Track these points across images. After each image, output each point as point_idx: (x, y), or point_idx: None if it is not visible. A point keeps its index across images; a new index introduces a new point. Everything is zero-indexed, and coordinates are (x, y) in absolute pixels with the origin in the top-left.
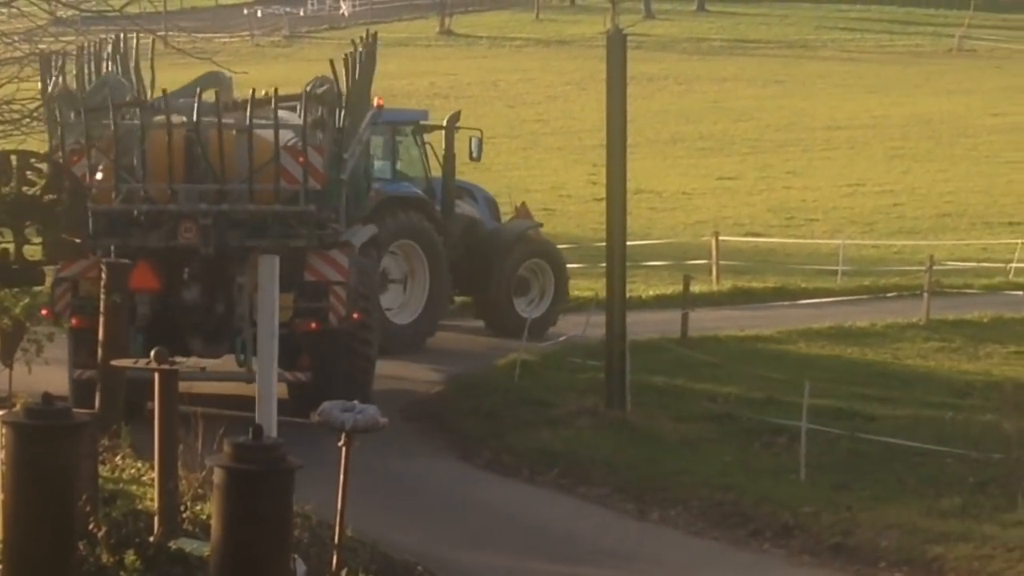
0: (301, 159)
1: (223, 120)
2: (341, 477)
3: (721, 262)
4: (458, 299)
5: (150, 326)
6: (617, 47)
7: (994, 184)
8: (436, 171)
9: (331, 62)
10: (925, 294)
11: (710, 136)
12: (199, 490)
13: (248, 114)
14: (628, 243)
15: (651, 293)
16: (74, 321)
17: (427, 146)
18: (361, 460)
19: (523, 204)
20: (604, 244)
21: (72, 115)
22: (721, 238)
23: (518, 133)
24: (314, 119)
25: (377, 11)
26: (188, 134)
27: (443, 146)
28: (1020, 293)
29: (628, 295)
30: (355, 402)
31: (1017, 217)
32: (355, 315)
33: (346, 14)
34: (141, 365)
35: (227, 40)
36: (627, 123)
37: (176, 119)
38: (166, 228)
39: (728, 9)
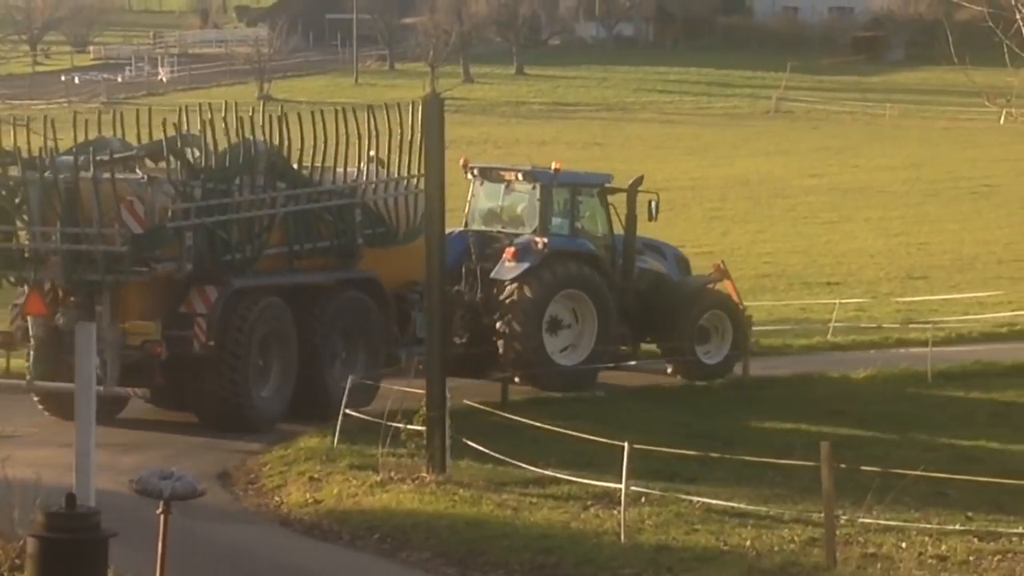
0: (125, 207)
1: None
2: (159, 545)
3: None
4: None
5: (42, 346)
6: (435, 111)
7: (812, 244)
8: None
9: (174, 123)
10: (745, 354)
11: None
12: (16, 560)
13: (76, 169)
14: None
15: None
16: None
17: (611, 207)
18: (180, 526)
19: (722, 262)
20: None
21: None
22: None
23: None
24: (148, 174)
25: (196, 77)
26: (67, 186)
27: (627, 207)
28: (838, 353)
29: None
30: (173, 469)
31: (835, 277)
32: (210, 342)
33: (164, 80)
34: None
35: (44, 107)
36: (446, 187)
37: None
38: (39, 263)
39: (547, 73)
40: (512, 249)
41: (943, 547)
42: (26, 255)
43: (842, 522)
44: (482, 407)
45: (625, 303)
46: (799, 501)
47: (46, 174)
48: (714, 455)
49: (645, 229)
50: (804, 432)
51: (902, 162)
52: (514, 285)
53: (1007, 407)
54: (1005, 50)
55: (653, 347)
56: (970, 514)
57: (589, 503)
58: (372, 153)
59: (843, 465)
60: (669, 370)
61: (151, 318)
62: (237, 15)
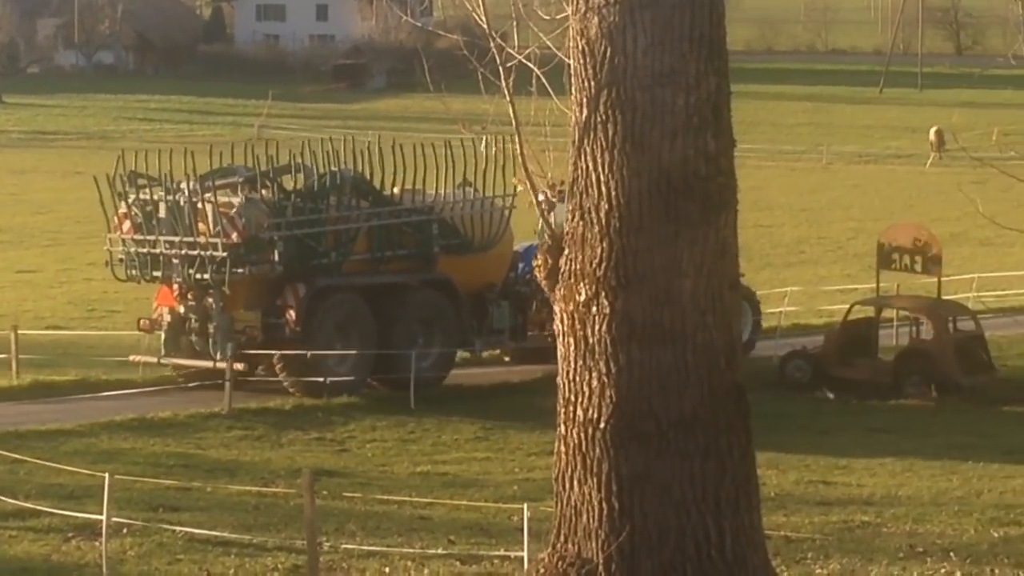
0: (227, 222)
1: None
2: None
3: (21, 356)
4: None
5: (170, 329)
6: None
7: None
8: None
9: (270, 155)
10: (227, 383)
11: (9, 229)
12: None
13: (188, 193)
14: None
15: None
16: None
17: None
18: None
19: None
20: None
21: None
22: (21, 332)
23: None
24: (246, 196)
25: None
26: (184, 204)
27: None
28: (320, 379)
29: None
30: None
31: None
32: (297, 328)
33: None
34: None
35: None
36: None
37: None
38: (167, 265)
39: (25, 101)
40: None
41: (426, 571)
42: (159, 258)
43: (325, 549)
44: None
45: None
46: (283, 529)
47: (171, 196)
48: (196, 484)
49: None
50: (287, 459)
51: None
52: None
53: (488, 430)
54: (480, 78)
55: None
56: (452, 538)
57: (71, 535)
58: (463, 178)
59: (325, 492)
60: None
61: (253, 309)
62: None
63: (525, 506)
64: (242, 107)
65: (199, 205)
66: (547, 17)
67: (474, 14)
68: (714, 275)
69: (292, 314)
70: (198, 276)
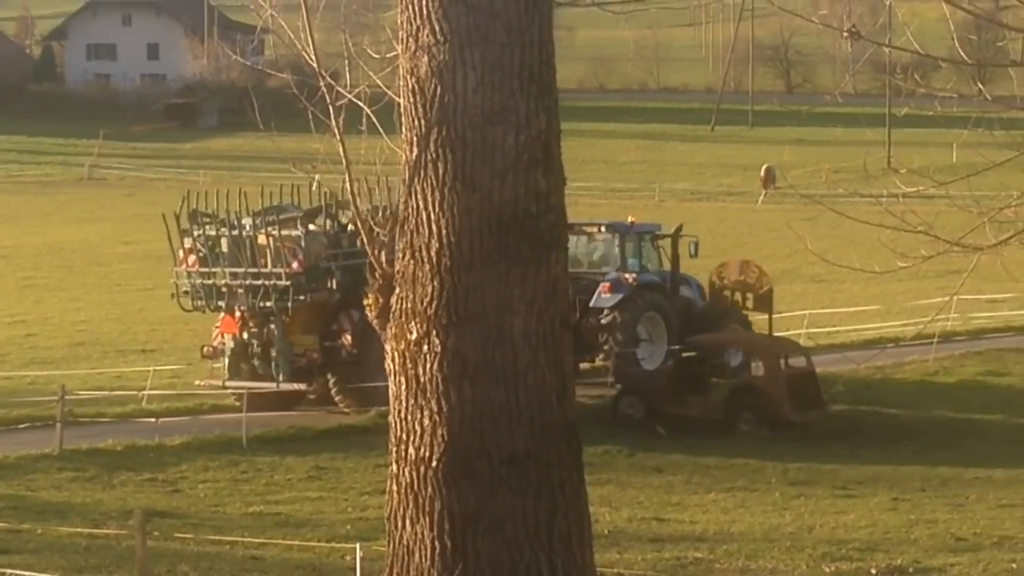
0: (289, 253)
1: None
2: None
3: None
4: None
5: (233, 355)
6: None
7: (127, 312)
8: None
9: (327, 190)
10: (58, 424)
11: None
12: None
13: (252, 226)
14: None
15: None
16: (204, 351)
17: (660, 248)
18: None
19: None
20: None
21: (193, 226)
22: None
23: None
24: (307, 229)
25: None
26: (246, 238)
27: (671, 248)
28: (152, 420)
29: None
30: None
31: (150, 344)
32: (354, 350)
33: None
34: None
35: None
36: None
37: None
38: (230, 295)
39: None
40: (607, 284)
41: None
42: (222, 289)
43: None
44: None
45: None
46: (114, 571)
47: (234, 232)
48: (26, 526)
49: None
50: (119, 501)
51: None
52: (614, 311)
53: (321, 470)
54: (311, 117)
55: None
56: None
57: None
58: None
59: (157, 533)
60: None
61: (311, 333)
62: None
63: (358, 546)
64: (72, 147)
65: (260, 239)
66: (377, 56)
67: (304, 53)
68: (545, 313)
69: (348, 337)
70: (262, 304)
